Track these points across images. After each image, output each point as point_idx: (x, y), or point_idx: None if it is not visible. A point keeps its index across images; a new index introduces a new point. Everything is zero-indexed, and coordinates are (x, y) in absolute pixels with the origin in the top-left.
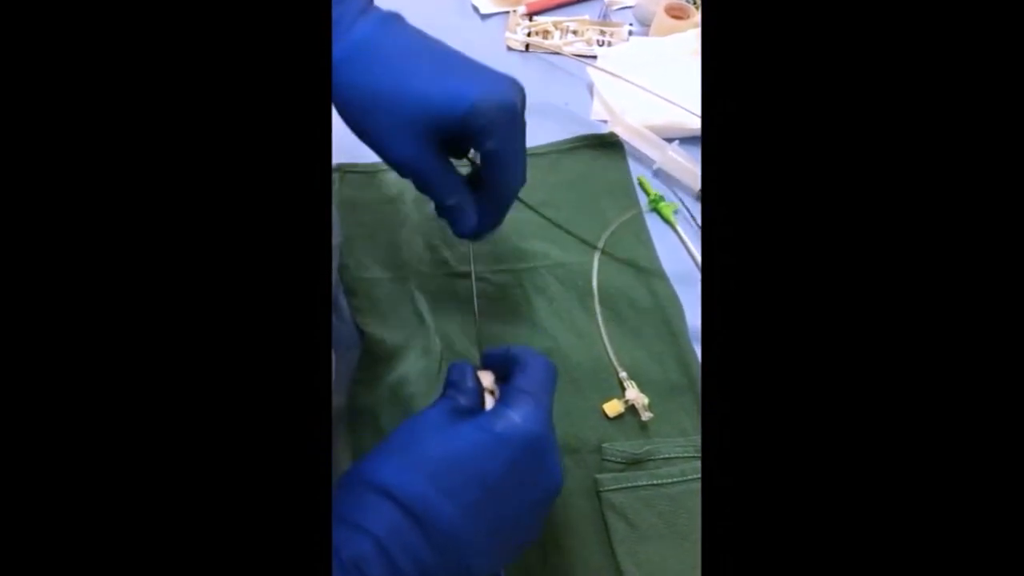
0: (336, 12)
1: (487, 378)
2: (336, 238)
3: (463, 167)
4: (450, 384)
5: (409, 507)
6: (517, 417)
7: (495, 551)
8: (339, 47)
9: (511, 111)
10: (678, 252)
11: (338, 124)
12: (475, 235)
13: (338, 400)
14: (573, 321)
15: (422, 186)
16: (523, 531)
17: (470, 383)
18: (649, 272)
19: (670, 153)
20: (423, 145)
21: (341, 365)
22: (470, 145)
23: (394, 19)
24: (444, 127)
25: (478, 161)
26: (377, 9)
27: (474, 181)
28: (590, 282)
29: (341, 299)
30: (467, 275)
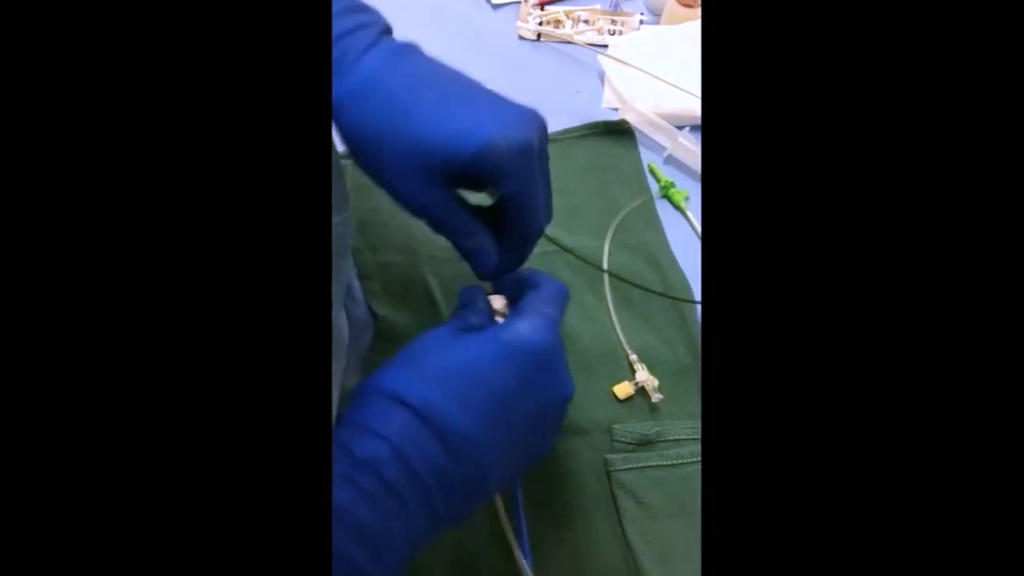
0: (344, 44)
1: (499, 302)
2: (347, 219)
3: (484, 200)
4: (461, 306)
5: (422, 413)
6: (526, 328)
7: (510, 461)
8: (346, 82)
9: (527, 150)
10: (688, 238)
11: None
12: (496, 276)
13: (350, 382)
14: (583, 305)
15: (436, 229)
16: (536, 443)
17: (480, 304)
18: (659, 257)
19: (680, 140)
20: (433, 188)
21: (355, 346)
22: (486, 185)
23: (407, 50)
24: (453, 169)
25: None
26: (390, 40)
27: (495, 216)
28: (601, 267)
29: (355, 282)
30: None
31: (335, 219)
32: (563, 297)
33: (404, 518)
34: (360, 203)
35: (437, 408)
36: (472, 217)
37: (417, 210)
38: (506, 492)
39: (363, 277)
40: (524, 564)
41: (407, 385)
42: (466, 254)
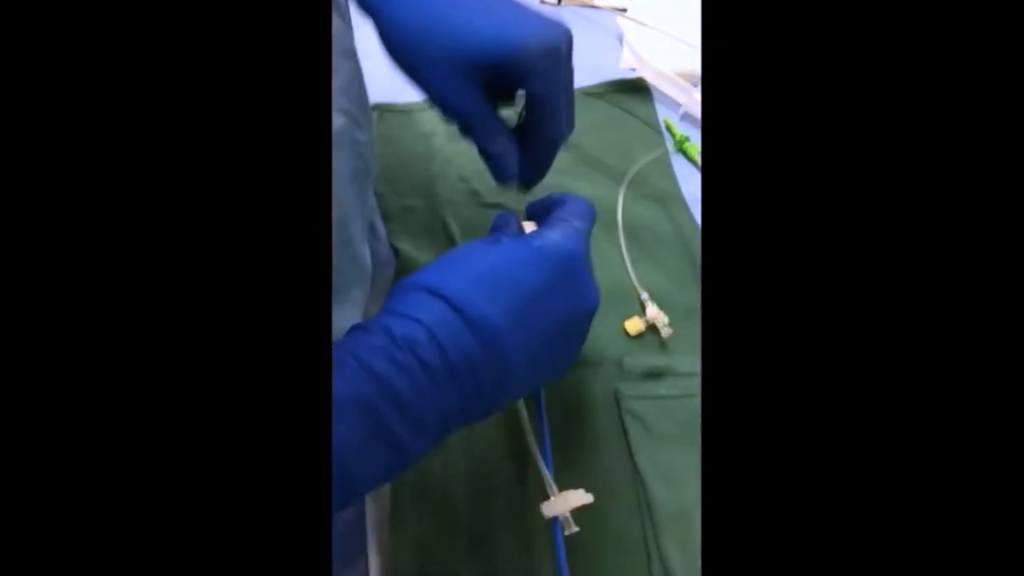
0: None
1: (530, 226)
2: (371, 141)
3: (510, 118)
4: (494, 228)
5: (456, 304)
6: (556, 235)
7: (535, 362)
8: None
9: (556, 53)
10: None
11: (379, 64)
12: (517, 183)
13: (372, 310)
14: (598, 249)
15: (465, 128)
16: (561, 350)
17: (513, 227)
18: (673, 206)
19: (696, 96)
20: (468, 84)
21: (377, 281)
22: (516, 86)
23: None
24: (490, 65)
25: (524, 113)
26: None
27: (520, 132)
28: (615, 214)
29: (379, 222)
30: (497, 206)
31: (362, 137)
32: (591, 211)
33: (438, 397)
34: (386, 151)
35: (469, 301)
36: (500, 121)
37: (450, 107)
38: (529, 402)
39: (386, 219)
40: (546, 472)
41: (442, 280)
42: (491, 158)
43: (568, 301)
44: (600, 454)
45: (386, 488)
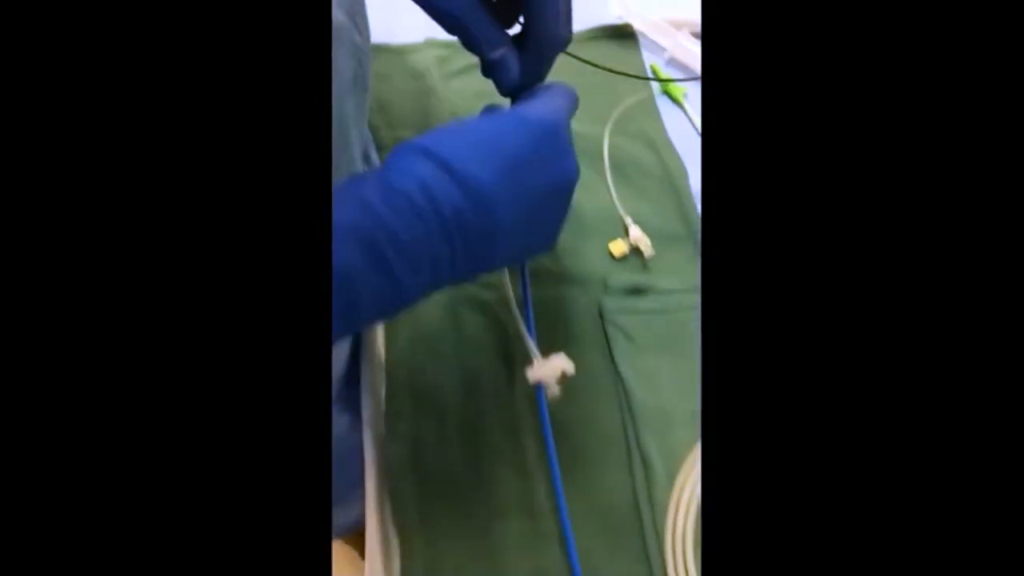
0: None
1: None
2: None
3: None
4: (483, 112)
5: (447, 164)
6: (539, 104)
7: (521, 226)
8: None
9: None
10: (686, 130)
11: (373, 3)
12: (519, 90)
13: None
14: (583, 179)
15: (466, 36)
16: (544, 221)
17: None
18: (658, 143)
19: (681, 41)
20: None
21: None
22: None
23: None
24: None
25: (522, 21)
26: None
27: (519, 41)
28: (601, 148)
29: (373, 153)
30: None
31: (360, 42)
32: (573, 93)
33: (429, 242)
34: (380, 86)
35: (459, 161)
36: (499, 30)
37: (449, 17)
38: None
39: (380, 148)
40: (529, 340)
41: (435, 144)
42: (490, 66)
43: (552, 168)
44: (584, 359)
45: (381, 386)
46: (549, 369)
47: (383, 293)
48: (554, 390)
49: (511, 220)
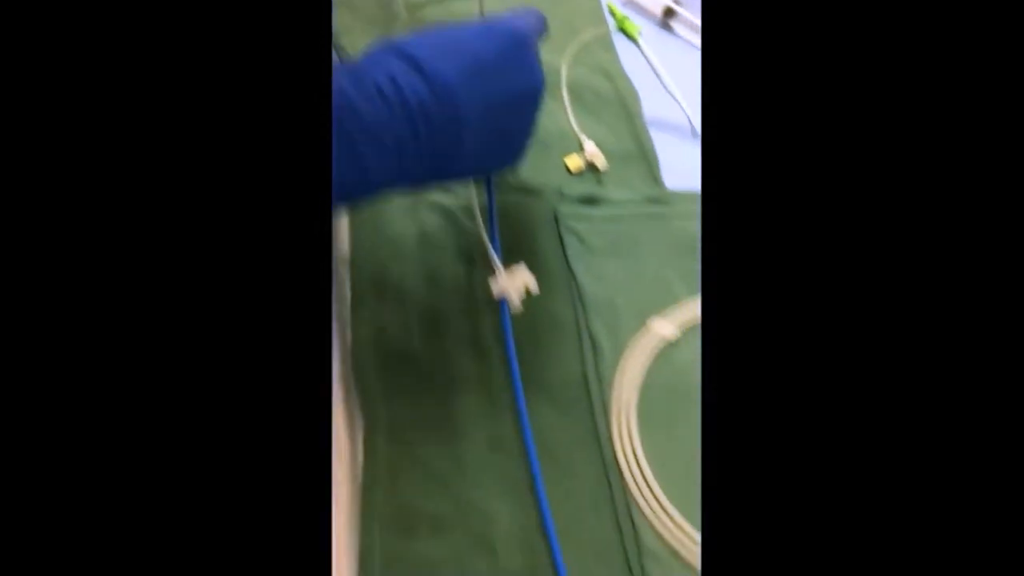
0: None
1: None
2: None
3: None
4: None
5: (414, 59)
6: (508, 16)
7: (486, 128)
8: None
9: None
10: (640, 64)
11: None
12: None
13: None
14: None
15: None
16: (510, 132)
17: None
18: (613, 73)
19: None
20: None
21: None
22: None
23: None
24: None
25: None
26: None
27: None
28: (559, 75)
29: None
30: None
31: None
32: (542, 16)
33: (393, 123)
34: (343, 13)
35: (426, 59)
36: None
37: None
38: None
39: (340, 48)
40: (492, 253)
41: (404, 44)
42: None
43: (518, 76)
44: (540, 260)
45: (346, 278)
46: (512, 284)
47: (348, 173)
48: (516, 304)
49: (475, 117)
